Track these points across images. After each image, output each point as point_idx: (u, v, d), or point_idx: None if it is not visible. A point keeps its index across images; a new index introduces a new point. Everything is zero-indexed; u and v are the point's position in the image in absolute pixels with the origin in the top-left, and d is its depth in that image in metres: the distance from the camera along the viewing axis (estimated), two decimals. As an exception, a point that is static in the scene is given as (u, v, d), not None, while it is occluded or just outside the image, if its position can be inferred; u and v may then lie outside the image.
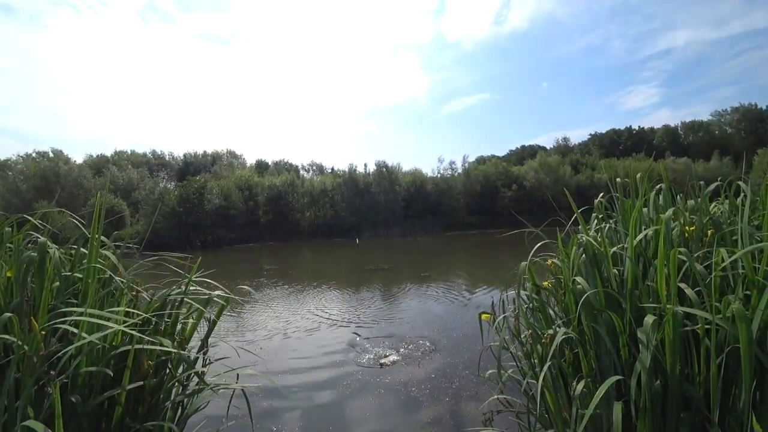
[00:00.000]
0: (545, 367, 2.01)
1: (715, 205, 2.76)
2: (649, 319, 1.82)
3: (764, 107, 48.51)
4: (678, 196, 2.71)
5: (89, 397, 1.74)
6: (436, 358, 4.69)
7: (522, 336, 2.51)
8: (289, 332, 6.00)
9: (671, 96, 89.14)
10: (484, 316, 2.70)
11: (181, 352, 1.98)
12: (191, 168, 30.33)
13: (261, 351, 5.06)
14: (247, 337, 5.79)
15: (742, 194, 2.39)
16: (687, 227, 2.41)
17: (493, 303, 2.67)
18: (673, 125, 51.96)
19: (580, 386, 1.93)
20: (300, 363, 4.75)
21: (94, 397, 1.72)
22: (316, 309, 7.31)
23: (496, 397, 2.75)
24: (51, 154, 23.57)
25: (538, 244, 2.54)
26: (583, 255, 2.19)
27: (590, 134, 56.25)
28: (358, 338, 5.54)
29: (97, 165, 27.28)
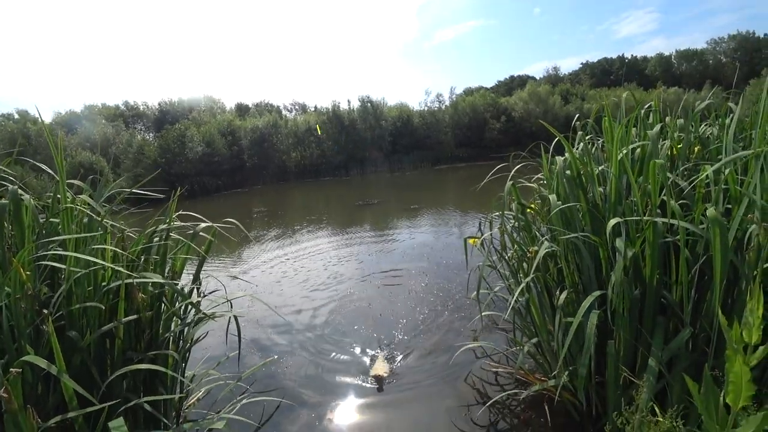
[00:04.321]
0: (529, 278, 2.08)
1: (705, 126, 2.76)
2: (613, 221, 1.85)
3: (762, 35, 46.95)
4: (667, 118, 2.68)
5: (87, 334, 1.77)
6: (430, 285, 4.86)
7: (508, 255, 2.58)
8: (282, 268, 6.09)
9: (668, 23, 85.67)
10: (471, 241, 2.75)
11: (171, 281, 2.00)
12: (168, 117, 29.00)
13: (256, 288, 5.18)
14: (241, 273, 5.90)
15: (730, 115, 2.38)
16: (675, 144, 2.41)
17: (480, 224, 2.71)
18: (667, 54, 50.40)
19: (563, 296, 2.01)
20: (294, 293, 4.89)
21: (92, 333, 1.76)
22: (307, 245, 7.40)
23: (483, 314, 2.88)
24: (16, 116, 22.30)
25: (521, 164, 2.53)
26: (567, 172, 2.18)
27: (581, 63, 54.58)
28: (350, 271, 5.66)
29: (68, 123, 25.85)
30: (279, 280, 5.57)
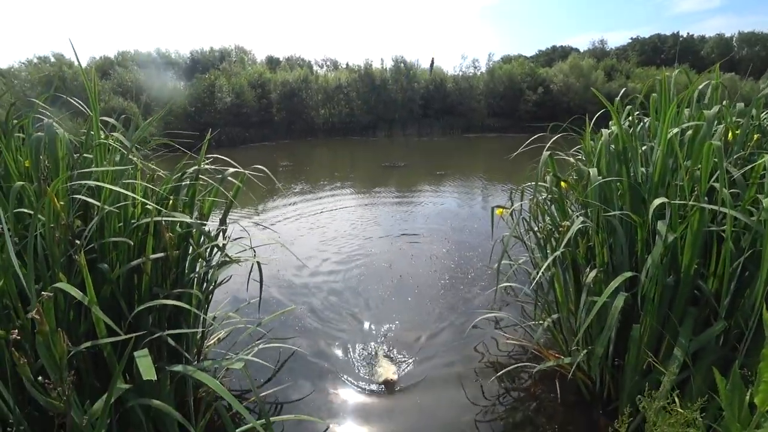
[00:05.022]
0: (557, 252, 2.02)
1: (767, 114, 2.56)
2: (657, 201, 1.75)
3: (839, 25, 42.15)
4: (723, 102, 2.48)
5: (117, 267, 1.82)
6: (451, 252, 4.84)
7: (537, 228, 2.51)
8: (305, 223, 6.15)
9: (733, 1, 77.94)
10: (498, 211, 2.69)
11: (199, 222, 2.04)
12: (199, 66, 28.88)
13: (279, 239, 5.27)
14: (266, 222, 6.00)
15: None
16: (732, 129, 2.23)
17: (511, 194, 2.63)
18: (728, 35, 46.30)
19: (592, 274, 1.95)
20: (316, 248, 4.96)
21: (121, 267, 1.81)
22: (331, 202, 7.43)
23: (503, 285, 2.85)
24: (52, 59, 22.48)
25: (558, 135, 2.41)
26: (612, 146, 2.06)
27: (631, 38, 50.66)
28: (372, 231, 5.68)
29: (102, 68, 25.97)
30: (302, 234, 5.64)
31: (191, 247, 2.11)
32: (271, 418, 2.11)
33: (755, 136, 2.22)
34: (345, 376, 2.70)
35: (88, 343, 1.48)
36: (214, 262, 2.26)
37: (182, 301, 1.93)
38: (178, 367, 1.64)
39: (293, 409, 2.42)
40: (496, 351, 2.92)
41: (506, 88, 22.57)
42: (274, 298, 3.68)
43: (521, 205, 2.57)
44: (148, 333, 1.71)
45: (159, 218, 1.81)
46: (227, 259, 2.17)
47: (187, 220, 1.90)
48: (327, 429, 2.25)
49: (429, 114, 21.67)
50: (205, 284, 2.29)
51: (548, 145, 2.32)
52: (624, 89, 2.70)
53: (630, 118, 2.46)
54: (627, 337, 1.92)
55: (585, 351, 2.09)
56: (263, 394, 2.49)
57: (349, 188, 8.77)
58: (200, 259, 2.16)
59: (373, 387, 2.59)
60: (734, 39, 46.67)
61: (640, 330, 1.88)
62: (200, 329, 2.30)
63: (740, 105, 2.51)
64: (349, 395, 2.54)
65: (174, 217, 1.88)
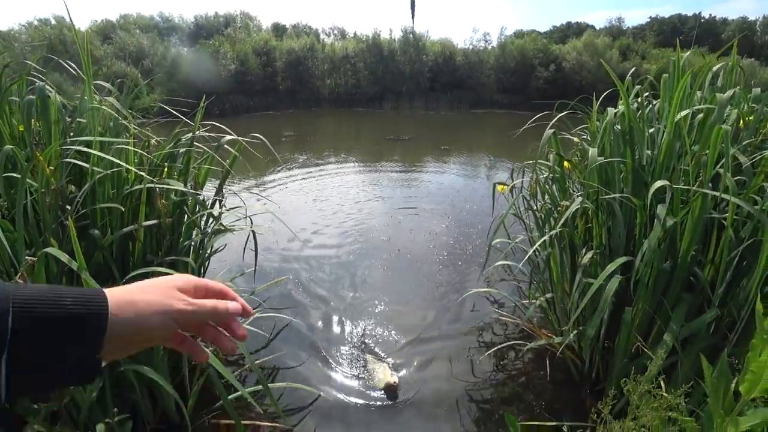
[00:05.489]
0: (554, 231, 2.01)
1: None
2: (658, 183, 1.71)
3: None
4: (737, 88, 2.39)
5: (108, 233, 1.82)
6: (451, 228, 4.83)
7: (538, 206, 2.49)
8: (305, 193, 6.13)
9: None
10: (499, 188, 2.66)
11: (192, 191, 2.02)
12: (203, 31, 28.16)
13: (278, 209, 5.26)
14: (265, 193, 5.98)
15: None
16: (745, 115, 2.16)
17: (512, 171, 2.60)
18: (752, 18, 44.19)
19: (588, 255, 1.94)
20: (316, 219, 4.96)
21: (112, 233, 1.80)
22: (333, 174, 7.38)
23: (500, 263, 2.85)
24: (53, 21, 21.88)
25: (564, 113, 2.35)
26: (617, 126, 2.00)
27: (650, 17, 48.57)
28: (373, 204, 5.66)
29: (104, 31, 25.32)
30: (301, 204, 5.63)
31: (186, 215, 2.10)
32: (258, 387, 2.17)
33: (768, 124, 2.15)
34: (338, 347, 2.74)
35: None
36: (210, 231, 2.25)
37: (177, 268, 1.93)
38: None
39: (286, 377, 2.47)
40: (489, 328, 2.95)
41: (517, 64, 22.02)
42: (273, 269, 3.71)
43: (522, 182, 2.54)
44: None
45: (152, 185, 1.79)
46: (222, 227, 2.16)
47: (180, 187, 1.88)
48: (318, 397, 2.30)
49: (437, 87, 21.26)
50: (201, 252, 2.29)
51: (552, 123, 2.26)
52: (634, 68, 2.60)
53: (639, 99, 2.39)
54: (619, 320, 1.93)
55: (576, 331, 2.10)
56: (257, 361, 2.53)
57: (353, 161, 8.70)
58: (194, 228, 2.16)
59: (366, 367, 2.58)
60: (758, 23, 44.67)
61: (632, 313, 1.88)
62: None
63: (756, 90, 2.42)
64: (340, 366, 2.58)
65: (168, 184, 1.86)
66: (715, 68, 2.36)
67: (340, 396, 2.34)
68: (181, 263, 2.02)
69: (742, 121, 2.17)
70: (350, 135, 13.28)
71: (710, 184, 1.79)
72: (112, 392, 1.68)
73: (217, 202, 2.31)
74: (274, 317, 2.87)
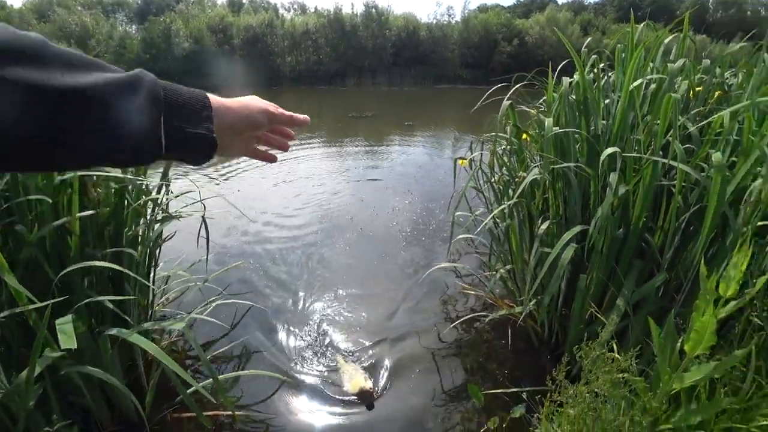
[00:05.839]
0: (511, 202, 2.02)
1: (731, 74, 2.55)
2: (609, 150, 1.74)
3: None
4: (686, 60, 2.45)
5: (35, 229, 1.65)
6: (414, 203, 4.83)
7: (495, 179, 2.49)
8: (265, 174, 5.93)
9: None
10: (461, 162, 2.64)
11: (132, 177, 1.87)
12: (152, 7, 26.35)
13: (238, 192, 5.09)
14: (220, 177, 5.75)
15: (761, 64, 2.18)
16: (693, 85, 2.22)
17: (471, 144, 2.58)
18: None
19: (545, 225, 1.96)
20: (276, 200, 4.84)
21: (40, 228, 1.64)
22: (294, 153, 7.19)
23: (461, 237, 2.87)
24: None
25: (521, 84, 2.34)
26: (572, 96, 2.01)
27: None
28: (335, 183, 5.57)
29: (40, 9, 23.33)
30: (263, 186, 5.47)
31: (126, 204, 1.95)
32: (225, 375, 2.09)
33: (717, 93, 2.22)
34: (301, 330, 2.69)
35: (6, 312, 1.37)
36: (154, 219, 2.10)
37: (120, 262, 1.80)
38: (113, 331, 1.55)
39: (249, 364, 2.40)
40: (454, 302, 2.98)
41: (481, 39, 22.06)
42: (233, 254, 3.57)
43: (481, 155, 2.53)
44: (84, 298, 1.59)
45: (84, 173, 1.64)
46: (167, 215, 2.03)
47: (111, 174, 1.73)
48: (283, 383, 2.25)
49: (400, 63, 21.03)
50: (149, 242, 2.15)
51: (509, 95, 2.25)
52: (589, 39, 2.62)
53: (595, 70, 2.41)
54: (576, 288, 1.97)
55: (534, 301, 2.14)
56: (219, 351, 2.45)
57: (314, 138, 8.50)
58: (139, 217, 2.02)
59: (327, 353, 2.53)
60: (711, 1, 46.18)
61: (586, 281, 1.92)
62: (151, 293, 2.20)
63: (706, 62, 2.51)
64: (305, 349, 2.54)
65: (103, 171, 1.71)
66: (667, 40, 2.40)
67: (306, 380, 2.30)
68: (126, 255, 1.89)
69: (692, 92, 2.23)
70: (312, 113, 12.83)
71: (661, 153, 1.83)
72: (58, 398, 1.57)
73: (164, 188, 2.16)
74: (235, 303, 2.79)
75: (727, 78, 2.50)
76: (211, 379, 1.74)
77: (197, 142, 0.54)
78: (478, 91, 2.52)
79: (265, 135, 0.72)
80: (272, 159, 0.75)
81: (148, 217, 2.06)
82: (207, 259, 2.45)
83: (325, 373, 2.34)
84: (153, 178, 2.17)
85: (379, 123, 10.28)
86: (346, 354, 2.46)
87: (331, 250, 3.72)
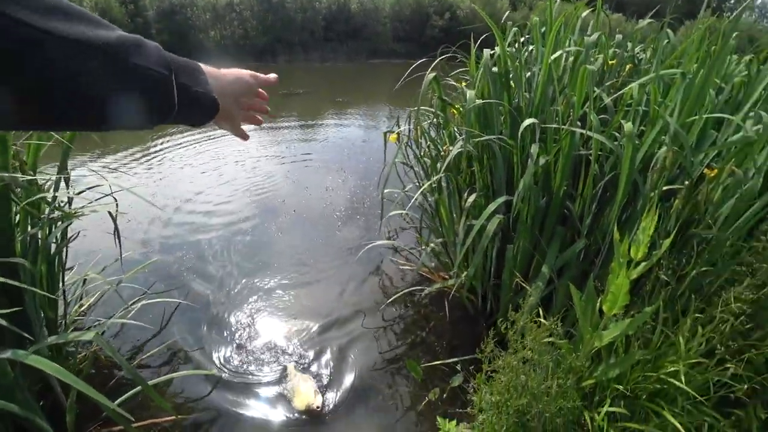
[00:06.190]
0: (438, 176, 2.02)
1: (641, 49, 2.72)
2: (528, 121, 1.79)
3: (715, -32, 45.96)
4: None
5: None
6: (347, 181, 4.73)
7: (421, 153, 2.49)
8: (191, 158, 5.51)
9: None
10: (391, 137, 2.59)
11: (10, 174, 1.59)
12: None
13: (160, 181, 4.69)
14: (146, 165, 5.24)
15: (665, 41, 2.38)
16: (608, 59, 2.34)
17: (398, 119, 2.54)
18: None
19: (471, 198, 1.98)
20: (204, 186, 4.51)
21: None
22: (220, 134, 6.74)
23: (394, 213, 2.85)
24: None
25: (445, 57, 2.33)
26: (494, 69, 2.02)
27: None
28: (265, 164, 5.30)
29: None
30: (188, 173, 5.04)
31: (12, 206, 1.68)
32: (156, 379, 1.92)
33: (628, 66, 2.34)
34: (236, 323, 2.56)
35: None
36: (52, 218, 1.84)
37: (14, 275, 1.57)
38: (7, 353, 1.34)
39: (182, 364, 2.25)
40: (390, 277, 2.99)
41: (413, 12, 21.90)
42: (155, 250, 3.28)
43: (409, 130, 2.50)
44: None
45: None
46: (64, 213, 1.79)
47: None
48: (219, 380, 2.14)
49: (331, 37, 20.41)
50: (49, 245, 1.89)
51: (431, 67, 2.21)
52: (508, 12, 2.66)
53: (517, 43, 2.44)
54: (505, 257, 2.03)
55: (465, 273, 2.18)
56: (150, 353, 2.26)
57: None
58: (34, 219, 1.76)
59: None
60: (629, -20, 48.79)
61: (513, 250, 1.98)
62: (64, 302, 1.95)
63: (619, 37, 2.66)
64: (240, 342, 2.42)
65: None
66: (584, 15, 2.48)
67: (243, 375, 2.20)
68: (20, 266, 1.64)
69: (606, 66, 2.34)
70: (241, 90, 12.29)
71: (579, 123, 1.89)
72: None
73: (63, 184, 1.89)
74: (165, 302, 2.59)
75: (637, 53, 2.67)
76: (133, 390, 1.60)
77: (204, 99, 0.59)
78: (412, 66, 2.47)
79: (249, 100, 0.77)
80: (259, 122, 0.83)
81: (44, 217, 1.80)
82: (121, 257, 2.22)
83: (261, 367, 2.25)
84: (48, 173, 1.90)
85: (313, 100, 9.94)
86: (285, 350, 2.37)
87: (265, 235, 3.56)
